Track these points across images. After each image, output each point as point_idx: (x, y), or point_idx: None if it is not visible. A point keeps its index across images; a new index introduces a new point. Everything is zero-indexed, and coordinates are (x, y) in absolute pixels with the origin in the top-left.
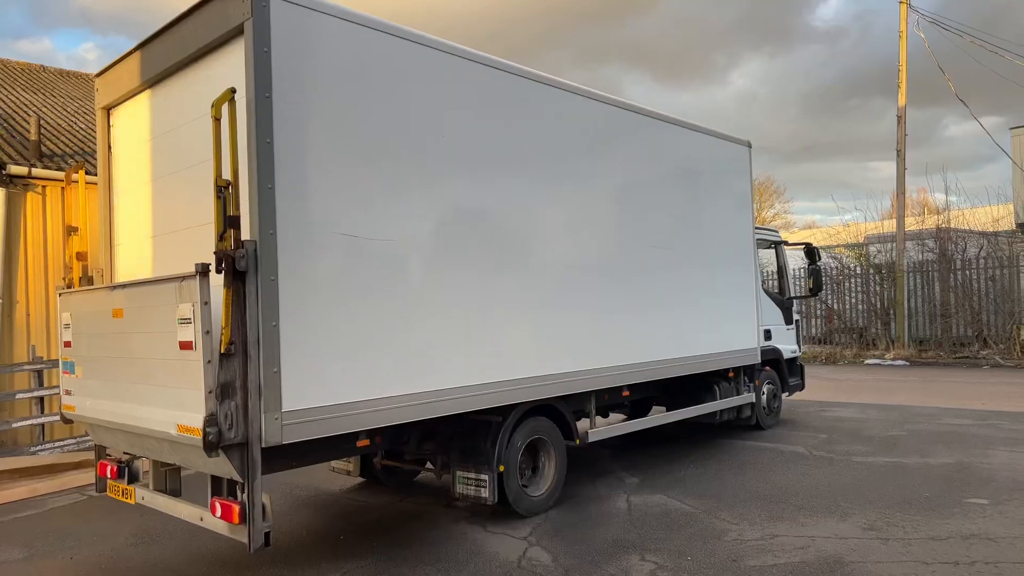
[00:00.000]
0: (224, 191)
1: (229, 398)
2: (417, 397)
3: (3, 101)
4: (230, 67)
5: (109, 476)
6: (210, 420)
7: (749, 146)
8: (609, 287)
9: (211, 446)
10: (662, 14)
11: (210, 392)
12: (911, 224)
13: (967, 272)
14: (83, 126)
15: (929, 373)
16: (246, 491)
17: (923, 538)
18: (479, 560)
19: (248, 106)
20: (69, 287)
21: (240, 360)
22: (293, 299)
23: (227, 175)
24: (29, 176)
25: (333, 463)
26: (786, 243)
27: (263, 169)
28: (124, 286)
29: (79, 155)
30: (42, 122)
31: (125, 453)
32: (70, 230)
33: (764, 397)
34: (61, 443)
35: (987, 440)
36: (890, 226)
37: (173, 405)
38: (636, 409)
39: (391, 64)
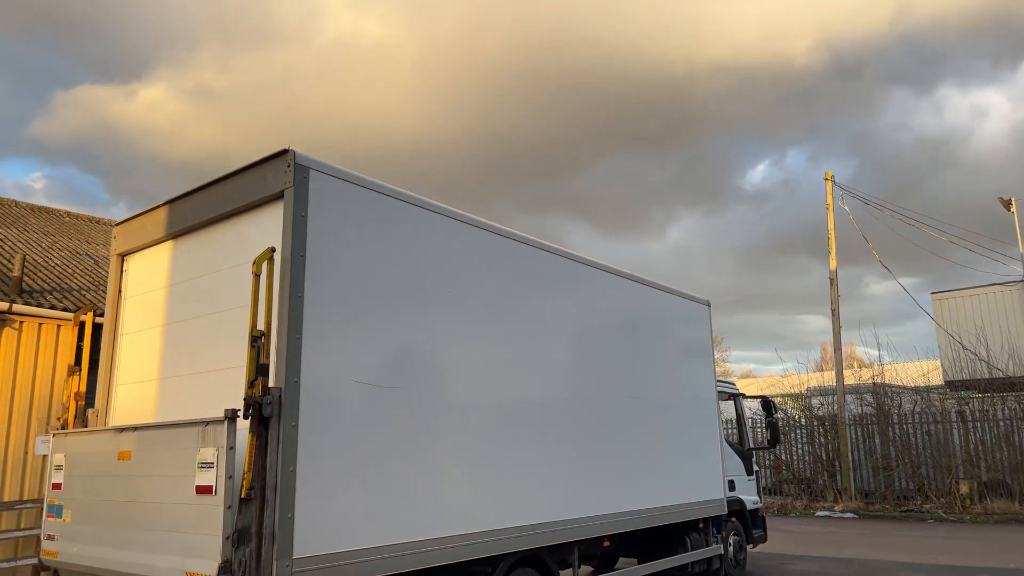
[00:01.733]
0: (258, 341)
1: (244, 544)
2: (417, 545)
3: None
4: (264, 227)
5: None
6: (224, 567)
7: (708, 305)
8: (591, 436)
9: None
10: (602, 172)
11: (227, 538)
12: (847, 378)
13: (904, 427)
14: (58, 263)
15: (878, 527)
16: None
17: None
18: None
19: (283, 264)
20: (63, 427)
21: (257, 505)
22: (310, 444)
23: (261, 326)
24: (9, 312)
25: None
26: (744, 395)
27: (293, 321)
28: (136, 428)
29: (56, 291)
30: (13, 257)
31: None
32: (71, 370)
33: (731, 549)
34: None
35: None
36: (825, 379)
37: (182, 551)
38: (603, 562)
39: (407, 227)
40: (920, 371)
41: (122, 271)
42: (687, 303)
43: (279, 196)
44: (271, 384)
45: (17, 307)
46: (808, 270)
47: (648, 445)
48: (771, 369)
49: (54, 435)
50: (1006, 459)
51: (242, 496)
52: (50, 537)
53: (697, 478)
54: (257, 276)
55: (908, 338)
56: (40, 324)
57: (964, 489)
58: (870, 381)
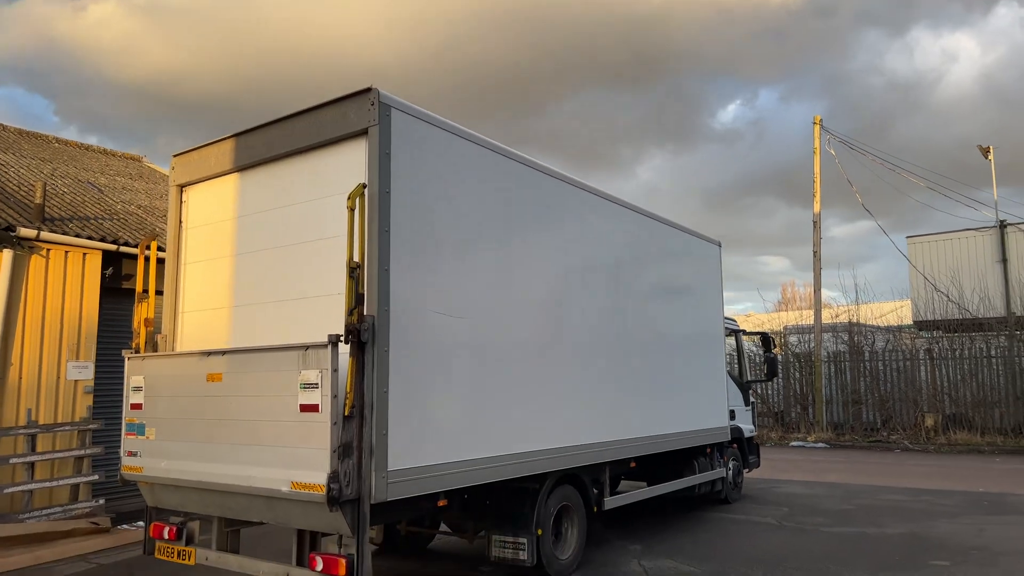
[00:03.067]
0: (355, 271)
1: (348, 457)
2: (487, 461)
3: None
4: (342, 163)
5: (167, 537)
6: (332, 477)
7: (719, 245)
8: (621, 369)
9: (333, 501)
10: (573, 107)
11: (334, 451)
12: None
13: (875, 363)
14: (66, 190)
15: (850, 455)
16: (356, 544)
17: None
18: None
19: (371, 200)
20: (136, 351)
21: (357, 423)
22: (399, 368)
23: (356, 258)
24: (37, 239)
25: None
26: (744, 332)
27: (382, 254)
28: (227, 352)
29: (75, 219)
30: (22, 182)
31: (184, 515)
32: (140, 296)
33: (730, 473)
34: (48, 511)
35: (926, 513)
36: (785, 319)
37: (285, 464)
38: (616, 484)
39: (474, 167)
40: (892, 310)
41: (181, 202)
42: (701, 243)
43: (361, 133)
44: (368, 312)
45: (45, 235)
46: (773, 211)
47: (667, 376)
48: (733, 308)
49: (129, 358)
50: (970, 395)
51: (345, 414)
52: (131, 453)
53: (706, 407)
54: (352, 211)
55: (871, 278)
56: (67, 252)
57: (929, 422)
58: (845, 320)
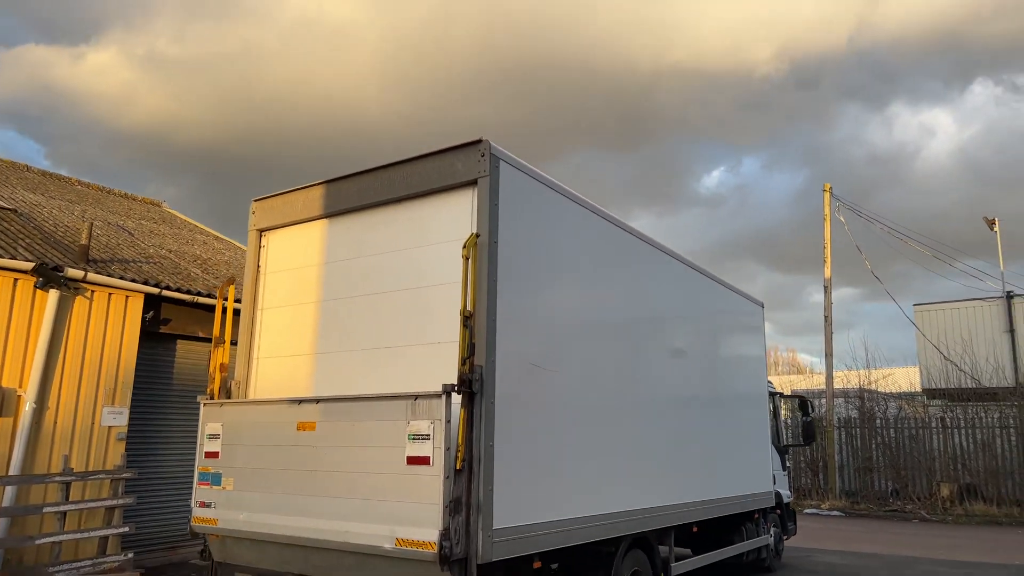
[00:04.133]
0: (469, 321)
1: (457, 513)
2: (576, 522)
3: (12, 199)
4: (445, 212)
5: None
6: (445, 534)
7: (762, 306)
8: (685, 429)
9: (444, 560)
10: (565, 169)
11: (445, 507)
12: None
13: (888, 430)
14: (100, 233)
15: (869, 524)
16: None
17: None
18: None
19: (481, 249)
20: (211, 398)
21: (467, 477)
22: (503, 422)
23: (469, 307)
24: (84, 280)
25: None
26: (781, 394)
27: (490, 304)
28: (323, 400)
29: (116, 262)
30: (58, 223)
31: (252, 572)
32: (216, 341)
33: (772, 539)
34: (79, 564)
35: None
36: (782, 383)
37: (388, 519)
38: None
39: (566, 221)
40: (907, 378)
41: (260, 246)
42: (747, 302)
43: (470, 184)
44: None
45: (91, 276)
46: (755, 276)
47: (722, 439)
48: None
49: (205, 404)
50: (984, 465)
51: (456, 467)
52: (204, 504)
53: (755, 470)
54: (466, 259)
55: (844, 346)
56: (110, 295)
57: (945, 492)
58: (857, 386)
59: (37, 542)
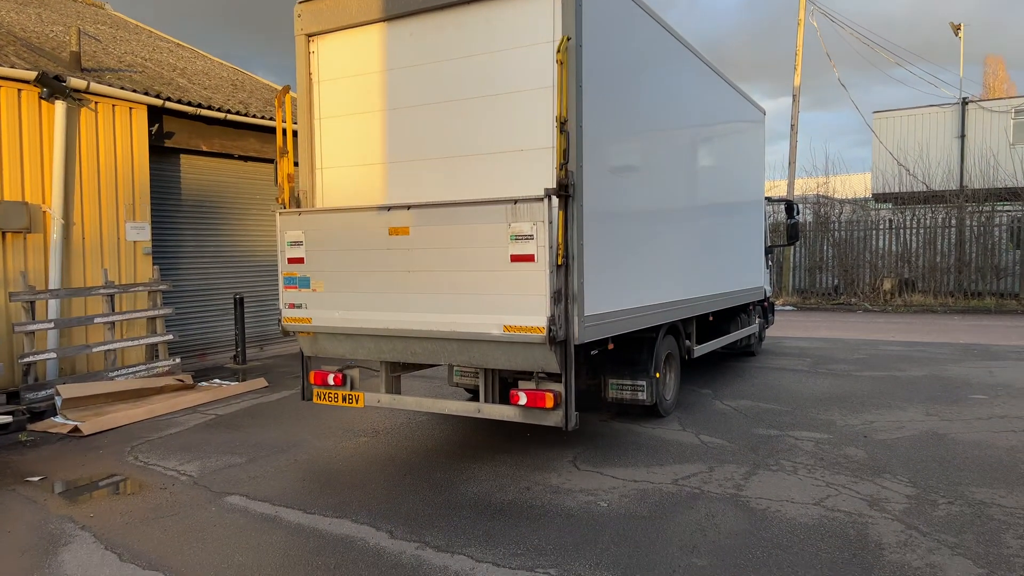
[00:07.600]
0: (564, 126)
1: (559, 303)
2: (635, 311)
3: None
4: (520, 16)
5: (332, 383)
6: (551, 320)
7: (764, 112)
8: (706, 229)
9: (552, 341)
10: None
11: (550, 297)
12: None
13: (840, 232)
14: (67, 38)
15: (820, 316)
16: (564, 380)
17: (972, 418)
18: (673, 446)
19: (567, 54)
20: (283, 207)
21: (565, 272)
22: (589, 222)
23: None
24: (87, 91)
25: (457, 378)
26: (769, 198)
27: (578, 109)
28: (416, 207)
29: (107, 71)
30: (26, 28)
31: (342, 363)
32: (281, 152)
33: (758, 328)
34: (134, 368)
35: (932, 360)
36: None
37: (493, 310)
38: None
39: (636, 29)
40: (863, 183)
41: (309, 52)
42: (752, 108)
43: None
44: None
45: (94, 86)
46: None
47: (733, 240)
48: None
49: (281, 213)
50: (926, 262)
51: (558, 263)
52: (294, 305)
53: (752, 268)
54: (561, 64)
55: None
56: (114, 106)
57: (887, 285)
58: (815, 192)
59: (94, 350)
